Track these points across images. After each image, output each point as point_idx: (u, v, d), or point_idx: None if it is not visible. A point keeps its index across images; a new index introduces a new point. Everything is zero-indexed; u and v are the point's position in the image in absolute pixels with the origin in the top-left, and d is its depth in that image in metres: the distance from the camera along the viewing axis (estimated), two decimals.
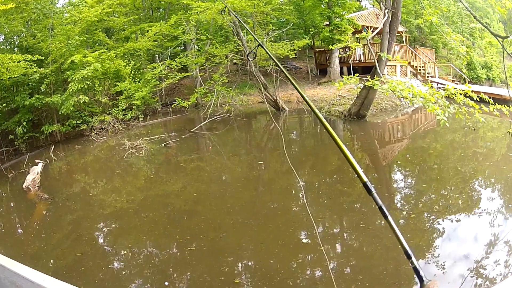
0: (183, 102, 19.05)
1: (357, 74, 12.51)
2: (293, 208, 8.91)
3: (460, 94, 9.78)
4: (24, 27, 19.71)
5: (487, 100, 9.79)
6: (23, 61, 15.78)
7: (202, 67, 21.97)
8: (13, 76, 15.63)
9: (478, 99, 9.61)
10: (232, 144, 16.73)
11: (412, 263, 1.06)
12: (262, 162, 12.91)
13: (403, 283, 5.53)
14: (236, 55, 21.07)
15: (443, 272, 5.58)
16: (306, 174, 11.73)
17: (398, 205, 8.64)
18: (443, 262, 5.80)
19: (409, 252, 1.13)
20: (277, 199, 9.43)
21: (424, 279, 0.99)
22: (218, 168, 12.94)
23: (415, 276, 1.15)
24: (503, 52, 10.33)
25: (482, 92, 10.06)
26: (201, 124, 18.50)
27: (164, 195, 10.68)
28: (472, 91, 9.76)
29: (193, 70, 22.16)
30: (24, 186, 11.51)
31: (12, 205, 11.37)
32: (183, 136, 16.93)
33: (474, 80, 27.09)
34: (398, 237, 1.20)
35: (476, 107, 9.26)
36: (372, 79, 12.40)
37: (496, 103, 9.64)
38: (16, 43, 20.86)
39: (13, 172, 13.51)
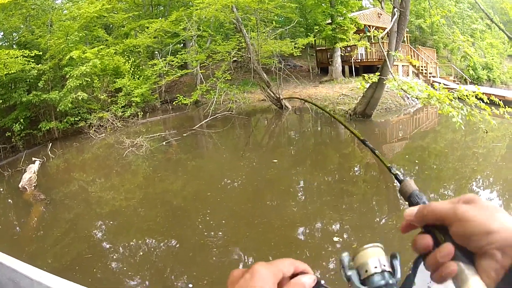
0: (185, 100, 18.86)
1: (378, 74, 12.38)
2: (292, 206, 8.81)
3: (472, 96, 9.89)
4: (22, 23, 19.65)
5: (497, 103, 9.95)
6: (21, 56, 15.63)
7: (203, 64, 21.66)
8: (10, 72, 15.45)
9: (489, 101, 9.68)
10: (233, 143, 16.51)
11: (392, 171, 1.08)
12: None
13: None
14: (238, 52, 20.75)
15: None
16: (307, 172, 11.72)
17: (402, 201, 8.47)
18: None
19: (389, 166, 1.17)
20: (278, 198, 9.35)
21: (402, 177, 0.97)
22: (220, 167, 12.75)
23: None
24: None
25: (492, 94, 10.09)
26: (203, 122, 18.22)
27: (164, 192, 10.57)
28: (482, 93, 9.94)
29: (194, 67, 21.83)
30: (20, 185, 11.22)
31: (8, 205, 11.16)
32: (185, 134, 16.70)
33: (475, 80, 27.02)
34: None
35: (488, 109, 9.34)
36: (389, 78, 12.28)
37: (507, 106, 9.68)
38: (15, 39, 20.74)
39: (9, 170, 13.26)
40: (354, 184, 10.19)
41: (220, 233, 7.55)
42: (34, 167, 12.25)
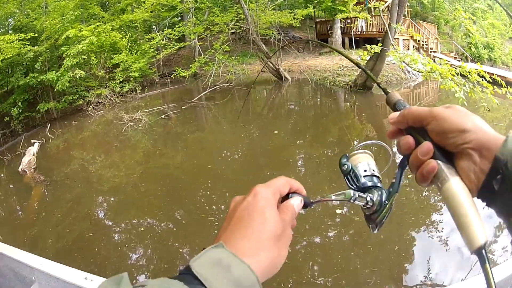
0: (183, 72, 18.74)
1: (380, 44, 12.33)
2: (293, 178, 8.63)
3: (475, 73, 9.90)
4: (18, 8, 19.48)
5: (499, 82, 9.92)
6: (17, 40, 15.51)
7: (201, 37, 21.53)
8: (6, 57, 15.22)
9: (491, 80, 9.68)
10: (233, 115, 16.33)
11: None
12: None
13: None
14: (236, 24, 20.57)
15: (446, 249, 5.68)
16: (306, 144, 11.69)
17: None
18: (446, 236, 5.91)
19: (379, 82, 1.13)
20: (279, 169, 9.24)
21: (389, 91, 1.00)
22: (220, 139, 12.73)
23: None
24: None
25: (494, 74, 10.19)
26: (201, 94, 18.13)
27: (164, 166, 10.62)
28: (485, 72, 9.94)
29: (192, 40, 21.70)
30: (19, 169, 11.12)
31: (9, 190, 11.04)
32: (183, 107, 16.64)
33: (476, 59, 26.73)
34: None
35: (490, 88, 9.36)
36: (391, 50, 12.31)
37: (508, 86, 9.70)
38: (10, 25, 20.55)
39: (9, 155, 13.05)
40: None
41: (223, 207, 7.47)
42: (33, 149, 12.13)
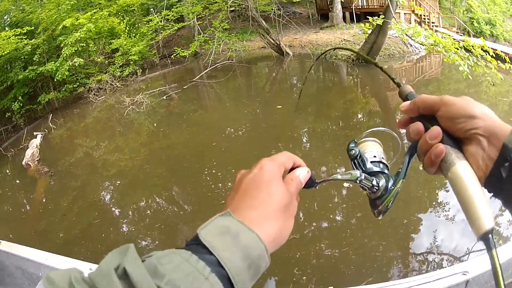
0: (183, 52, 18.61)
1: (382, 16, 12.20)
2: (298, 152, 8.59)
3: (479, 47, 9.90)
4: (13, 5, 19.40)
5: (503, 57, 9.99)
6: (13, 36, 15.46)
7: (200, 16, 21.34)
8: (3, 54, 15.24)
9: (494, 55, 9.72)
10: (235, 92, 16.49)
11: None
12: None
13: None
14: (235, 1, 20.36)
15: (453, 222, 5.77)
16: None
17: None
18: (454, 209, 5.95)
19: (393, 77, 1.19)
20: (283, 144, 9.37)
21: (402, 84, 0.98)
22: (223, 117, 12.76)
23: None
24: None
25: (499, 50, 10.28)
26: (203, 73, 18.08)
27: (168, 147, 10.65)
28: (488, 47, 9.93)
29: (191, 20, 21.58)
30: (23, 162, 11.00)
31: (15, 185, 11.01)
32: (185, 87, 16.59)
33: (478, 34, 26.47)
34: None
35: (494, 62, 9.41)
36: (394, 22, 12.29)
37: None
38: (6, 22, 20.45)
39: (12, 150, 13.03)
40: (359, 131, 10.03)
41: (229, 184, 7.46)
42: (36, 142, 12.05)
